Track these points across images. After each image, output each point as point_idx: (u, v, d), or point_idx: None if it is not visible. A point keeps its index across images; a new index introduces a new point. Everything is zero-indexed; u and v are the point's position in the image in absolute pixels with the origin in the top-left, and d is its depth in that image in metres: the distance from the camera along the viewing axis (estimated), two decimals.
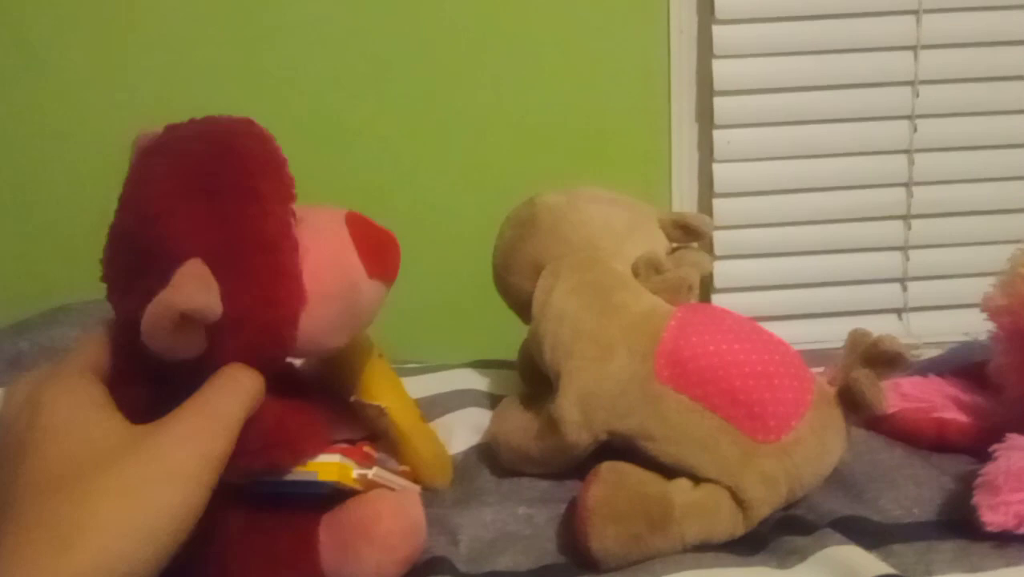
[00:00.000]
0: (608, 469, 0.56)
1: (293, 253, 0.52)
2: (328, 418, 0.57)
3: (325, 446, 0.55)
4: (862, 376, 0.57)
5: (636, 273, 0.64)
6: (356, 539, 0.54)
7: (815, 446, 0.58)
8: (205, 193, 0.50)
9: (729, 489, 0.56)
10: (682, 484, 0.56)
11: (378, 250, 0.55)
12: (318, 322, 0.52)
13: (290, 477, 0.53)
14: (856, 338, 0.60)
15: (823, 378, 0.62)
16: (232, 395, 0.48)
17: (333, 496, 0.55)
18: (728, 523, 0.56)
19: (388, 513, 0.55)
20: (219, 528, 0.54)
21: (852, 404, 0.58)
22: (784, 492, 0.57)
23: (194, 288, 0.46)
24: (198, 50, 0.96)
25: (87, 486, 0.40)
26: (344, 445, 0.57)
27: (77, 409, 0.44)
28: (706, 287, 1.04)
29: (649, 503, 0.55)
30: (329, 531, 0.54)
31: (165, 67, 0.97)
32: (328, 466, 0.53)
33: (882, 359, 0.58)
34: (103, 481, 0.40)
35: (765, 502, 0.57)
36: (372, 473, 0.56)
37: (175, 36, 0.96)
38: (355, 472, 0.55)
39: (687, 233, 0.67)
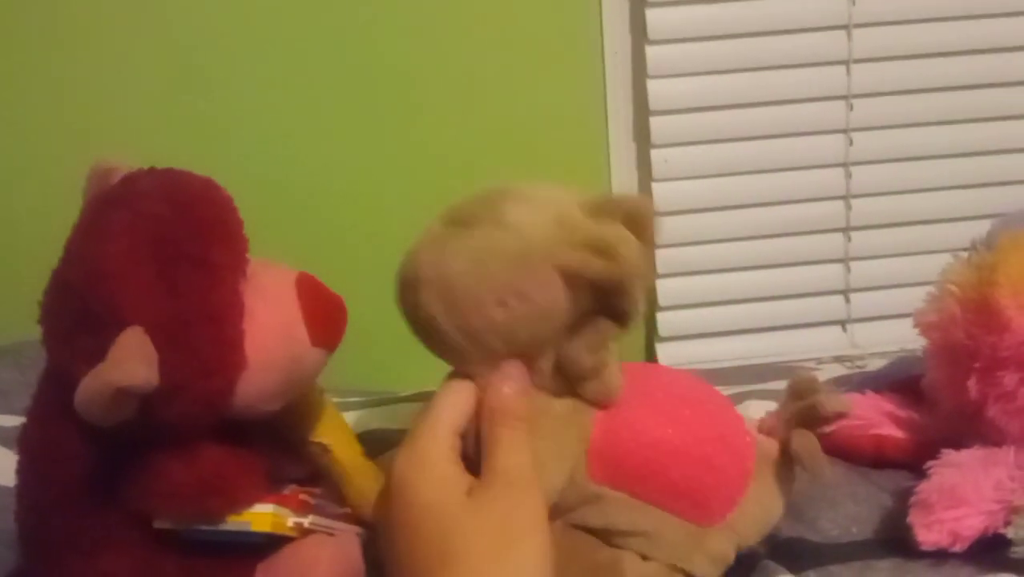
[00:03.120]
0: (561, 534, 0.53)
1: (238, 320, 0.51)
2: (269, 460, 0.57)
3: (262, 494, 0.54)
4: (801, 448, 0.55)
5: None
6: None
7: (760, 513, 0.57)
8: (159, 259, 0.49)
9: (681, 570, 0.54)
10: (635, 556, 0.54)
11: (325, 319, 0.55)
12: (256, 390, 0.52)
13: (223, 527, 0.52)
14: (798, 387, 0.58)
15: (763, 426, 0.61)
16: (519, 445, 0.51)
17: (269, 543, 0.55)
18: None
19: (326, 559, 0.54)
20: (152, 576, 0.53)
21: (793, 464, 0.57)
22: (732, 558, 0.56)
23: (133, 363, 0.46)
24: (144, 82, 0.96)
25: (462, 561, 0.46)
26: (282, 493, 0.56)
27: (430, 494, 0.49)
28: (651, 307, 1.05)
29: (601, 574, 0.53)
30: None
31: (112, 98, 0.96)
32: (262, 516, 0.53)
33: (824, 419, 0.56)
34: (473, 553, 0.47)
35: (715, 575, 0.56)
36: (308, 521, 0.55)
37: (120, 67, 0.95)
38: (290, 521, 0.54)
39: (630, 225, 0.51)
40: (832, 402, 0.55)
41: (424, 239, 0.52)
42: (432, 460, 0.49)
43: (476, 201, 0.52)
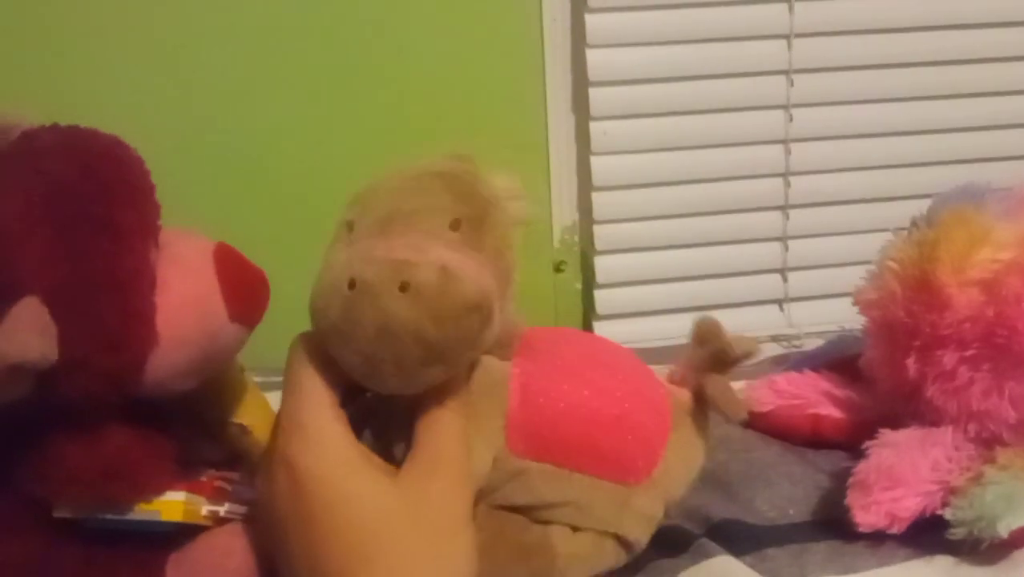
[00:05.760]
0: (486, 516, 0.52)
1: (148, 292, 0.48)
2: (183, 442, 0.54)
3: (172, 480, 0.51)
4: (714, 390, 0.55)
5: None
6: None
7: (682, 465, 0.56)
8: (58, 221, 0.45)
9: (612, 535, 0.53)
10: (564, 529, 0.53)
11: (245, 292, 0.51)
12: (168, 367, 0.48)
13: (130, 516, 0.49)
14: (702, 332, 0.57)
15: (673, 377, 0.60)
16: (458, 431, 0.48)
17: (182, 532, 0.52)
18: (612, 560, 0.54)
19: (241, 548, 0.51)
20: (53, 568, 0.50)
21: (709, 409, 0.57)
22: (661, 515, 0.55)
23: (28, 336, 0.42)
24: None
25: (392, 556, 0.43)
26: (196, 479, 0.53)
27: (342, 480, 0.45)
28: (588, 282, 1.03)
29: (531, 555, 0.52)
30: (178, 570, 0.51)
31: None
32: (173, 504, 0.50)
33: (733, 362, 0.55)
34: (405, 547, 0.44)
35: (647, 535, 0.55)
36: (224, 509, 0.52)
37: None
38: (204, 509, 0.52)
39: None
40: (739, 344, 0.55)
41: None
42: (335, 447, 0.46)
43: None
